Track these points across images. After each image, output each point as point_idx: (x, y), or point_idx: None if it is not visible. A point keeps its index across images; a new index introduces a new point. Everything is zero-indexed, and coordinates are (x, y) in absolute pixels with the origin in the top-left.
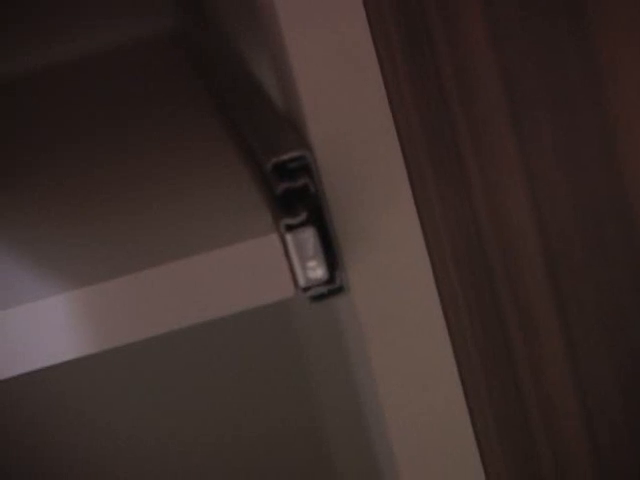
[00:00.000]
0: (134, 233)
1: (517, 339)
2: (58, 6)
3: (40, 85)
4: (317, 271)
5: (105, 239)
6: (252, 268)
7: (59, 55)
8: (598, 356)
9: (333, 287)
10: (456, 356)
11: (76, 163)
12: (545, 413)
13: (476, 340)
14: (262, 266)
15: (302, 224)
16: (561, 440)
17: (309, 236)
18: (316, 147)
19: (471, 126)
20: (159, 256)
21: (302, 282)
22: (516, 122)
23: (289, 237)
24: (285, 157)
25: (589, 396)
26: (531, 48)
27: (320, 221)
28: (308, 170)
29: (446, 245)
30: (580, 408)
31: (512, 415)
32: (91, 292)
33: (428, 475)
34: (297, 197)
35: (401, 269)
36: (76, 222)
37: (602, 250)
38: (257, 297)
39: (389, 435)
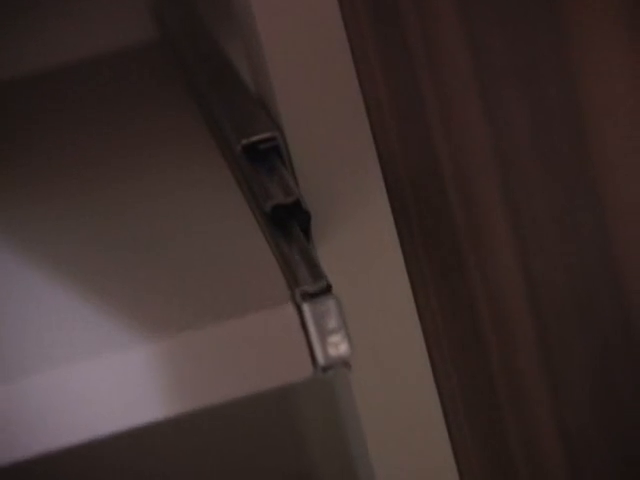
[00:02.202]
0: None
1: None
2: (41, 15)
3: (24, 92)
4: (340, 347)
5: (97, 310)
6: (261, 344)
7: (40, 63)
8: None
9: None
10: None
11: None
12: (520, 418)
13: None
14: (273, 341)
15: (322, 292)
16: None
17: (331, 307)
18: (286, 128)
19: (442, 108)
20: (152, 332)
21: (322, 361)
22: (485, 99)
23: (307, 307)
24: (255, 138)
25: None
26: (500, 21)
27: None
28: (278, 151)
29: (415, 226)
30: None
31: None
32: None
33: None
34: (288, 213)
35: (370, 251)
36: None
37: (575, 235)
38: (267, 379)
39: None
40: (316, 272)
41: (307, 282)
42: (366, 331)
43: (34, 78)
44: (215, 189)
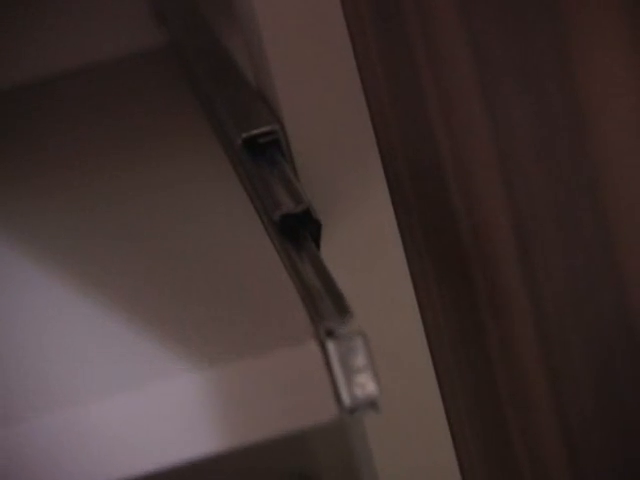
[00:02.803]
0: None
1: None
2: (45, 22)
3: (26, 98)
4: (367, 387)
5: (113, 347)
6: (281, 384)
7: (42, 70)
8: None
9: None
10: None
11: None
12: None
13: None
14: (294, 381)
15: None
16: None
17: (358, 345)
18: (287, 122)
19: (441, 101)
20: (163, 371)
21: (348, 402)
22: (486, 95)
23: (332, 346)
24: (255, 132)
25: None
26: (500, 18)
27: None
28: (278, 144)
29: (416, 220)
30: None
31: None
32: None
33: None
34: (298, 221)
35: (371, 244)
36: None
37: (575, 228)
38: (288, 421)
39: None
40: (340, 304)
41: (331, 316)
42: (366, 325)
43: (35, 84)
44: (222, 194)
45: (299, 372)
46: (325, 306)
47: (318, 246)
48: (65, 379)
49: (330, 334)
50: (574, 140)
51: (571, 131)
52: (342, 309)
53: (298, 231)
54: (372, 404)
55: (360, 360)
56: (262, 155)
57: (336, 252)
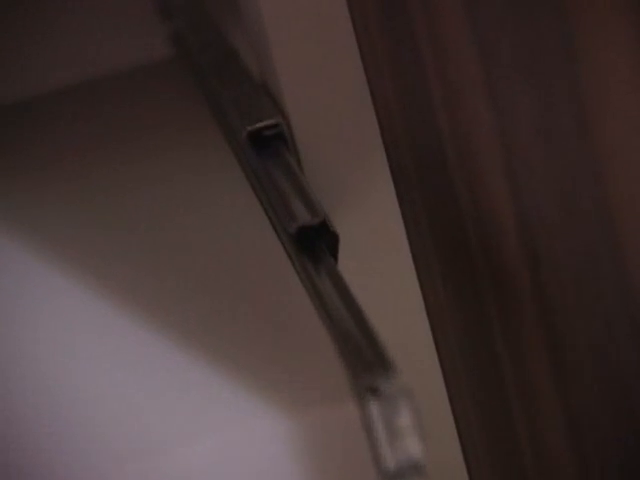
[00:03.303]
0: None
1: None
2: (54, 33)
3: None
4: (411, 449)
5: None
6: (315, 447)
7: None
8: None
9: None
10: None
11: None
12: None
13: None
14: (330, 443)
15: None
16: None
17: (402, 405)
18: (292, 115)
19: (446, 95)
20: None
21: (391, 466)
22: (489, 85)
23: (374, 407)
24: (260, 125)
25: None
26: (505, 7)
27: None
28: (283, 138)
29: (420, 211)
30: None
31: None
32: None
33: None
34: (315, 233)
35: (376, 236)
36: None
37: (578, 217)
38: None
39: None
40: (381, 353)
41: (373, 369)
42: (370, 316)
43: (43, 97)
44: (233, 201)
45: (335, 433)
46: (364, 355)
47: (335, 259)
48: (150, 427)
49: (373, 392)
50: (577, 133)
51: (575, 125)
52: (384, 361)
53: (314, 243)
54: (417, 468)
55: (404, 420)
56: (267, 149)
57: (340, 243)
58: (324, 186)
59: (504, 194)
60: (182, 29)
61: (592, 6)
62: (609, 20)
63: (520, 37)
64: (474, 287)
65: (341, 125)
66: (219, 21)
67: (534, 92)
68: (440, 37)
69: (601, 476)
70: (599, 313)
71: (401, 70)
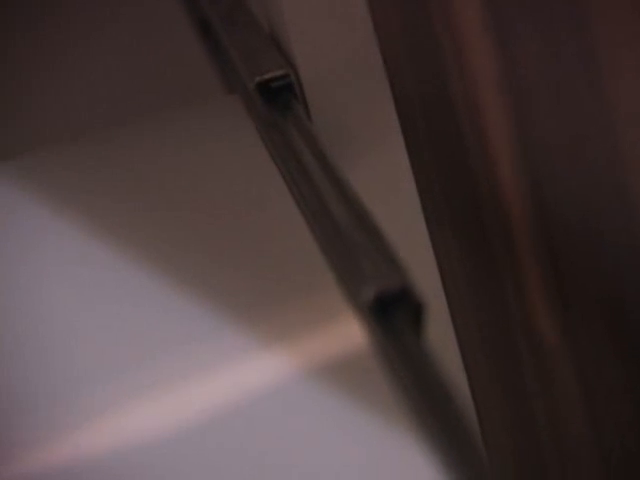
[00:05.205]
0: None
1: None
2: None
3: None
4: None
5: None
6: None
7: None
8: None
9: None
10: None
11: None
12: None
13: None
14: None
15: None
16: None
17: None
18: (300, 66)
19: (456, 50)
20: None
21: None
22: (499, 39)
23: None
24: (268, 76)
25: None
26: None
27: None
28: (292, 89)
29: (428, 161)
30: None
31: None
32: None
33: None
34: (395, 301)
35: (385, 186)
36: None
37: (587, 166)
38: None
39: None
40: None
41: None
42: None
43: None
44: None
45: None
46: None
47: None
48: (156, 362)
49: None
50: (588, 86)
51: (583, 66)
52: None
53: (393, 312)
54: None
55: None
56: (276, 100)
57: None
58: (333, 137)
59: (513, 143)
60: None
61: None
62: None
63: None
64: (483, 236)
65: (350, 77)
66: None
67: (542, 42)
68: None
69: (606, 405)
70: (608, 258)
71: (410, 21)
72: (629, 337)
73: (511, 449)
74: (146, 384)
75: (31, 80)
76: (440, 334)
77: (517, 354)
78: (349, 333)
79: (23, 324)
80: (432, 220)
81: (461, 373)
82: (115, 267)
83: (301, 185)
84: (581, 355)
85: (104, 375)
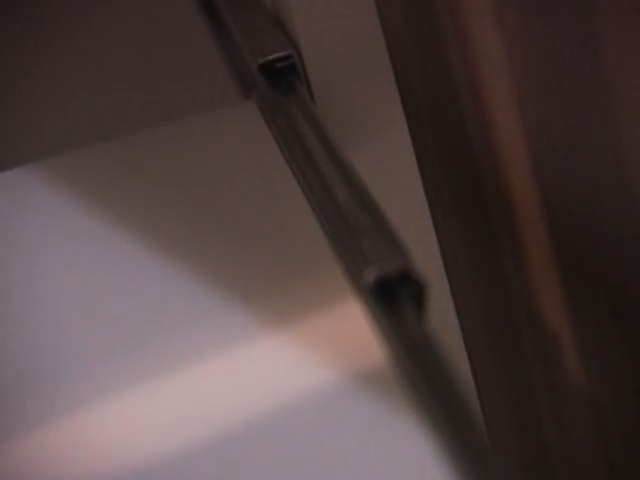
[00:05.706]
0: None
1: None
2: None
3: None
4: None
5: None
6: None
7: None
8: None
9: None
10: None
11: None
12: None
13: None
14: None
15: None
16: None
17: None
18: (304, 47)
19: (459, 33)
20: None
21: None
22: (503, 26)
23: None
24: (272, 57)
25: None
26: None
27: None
28: (295, 70)
29: (431, 143)
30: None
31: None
32: None
33: None
34: (397, 283)
35: (388, 169)
36: None
37: (589, 152)
38: None
39: None
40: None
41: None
42: None
43: None
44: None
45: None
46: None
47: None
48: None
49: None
50: (589, 69)
51: (586, 61)
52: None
53: (395, 294)
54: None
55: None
56: (279, 81)
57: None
58: (336, 119)
59: (515, 129)
60: None
61: None
62: None
63: None
64: (486, 221)
65: (353, 58)
66: None
67: (546, 30)
68: None
69: (613, 398)
70: (610, 249)
71: (413, 5)
72: (631, 323)
73: (512, 425)
74: (146, 366)
75: (50, 87)
76: (441, 316)
77: (518, 335)
78: (351, 315)
79: (24, 311)
80: (434, 203)
81: (462, 354)
82: (118, 249)
83: (304, 167)
84: (584, 338)
85: (106, 357)
